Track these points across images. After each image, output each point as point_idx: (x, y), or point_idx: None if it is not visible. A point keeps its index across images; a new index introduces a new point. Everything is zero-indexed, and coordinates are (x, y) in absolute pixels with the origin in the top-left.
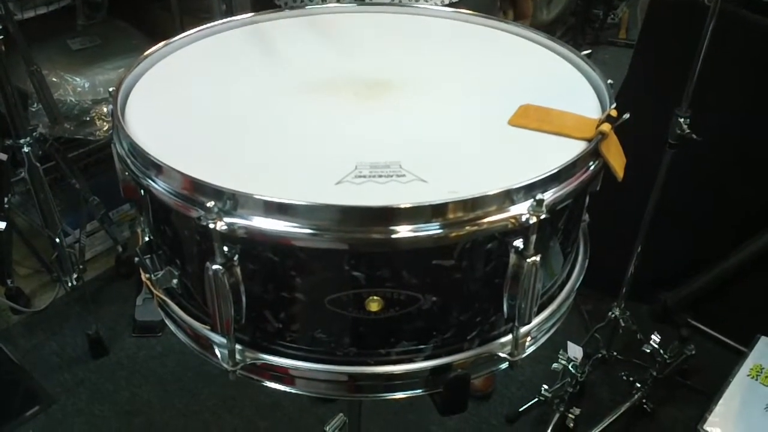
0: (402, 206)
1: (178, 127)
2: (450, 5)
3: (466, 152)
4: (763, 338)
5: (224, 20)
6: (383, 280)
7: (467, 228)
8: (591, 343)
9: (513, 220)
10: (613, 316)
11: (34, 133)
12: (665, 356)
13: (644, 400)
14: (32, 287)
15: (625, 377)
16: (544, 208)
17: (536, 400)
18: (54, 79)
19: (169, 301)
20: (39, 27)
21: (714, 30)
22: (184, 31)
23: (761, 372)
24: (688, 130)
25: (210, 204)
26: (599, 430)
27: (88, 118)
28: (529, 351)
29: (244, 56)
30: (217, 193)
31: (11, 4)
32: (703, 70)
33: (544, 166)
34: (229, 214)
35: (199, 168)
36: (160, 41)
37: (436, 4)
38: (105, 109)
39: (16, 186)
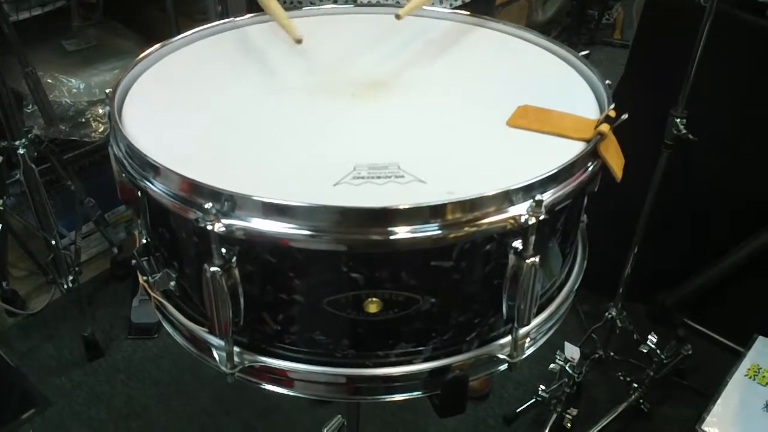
0: (400, 207)
1: (176, 128)
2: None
3: (465, 153)
4: (760, 338)
5: (220, 22)
6: (382, 281)
7: (466, 229)
8: (588, 343)
9: (512, 221)
10: (610, 316)
11: (30, 135)
12: (662, 356)
13: (641, 401)
14: (27, 289)
15: (622, 377)
16: (543, 209)
17: (533, 400)
18: (49, 81)
19: (166, 304)
20: (34, 28)
21: (709, 30)
22: (179, 32)
23: (759, 372)
24: (684, 131)
25: (208, 205)
26: (596, 430)
27: (83, 120)
28: (528, 352)
29: (242, 57)
30: (215, 194)
31: (6, 5)
32: (699, 70)
33: (542, 167)
34: (227, 215)
35: (196, 169)
36: (156, 42)
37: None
38: (100, 111)
39: (12, 188)
